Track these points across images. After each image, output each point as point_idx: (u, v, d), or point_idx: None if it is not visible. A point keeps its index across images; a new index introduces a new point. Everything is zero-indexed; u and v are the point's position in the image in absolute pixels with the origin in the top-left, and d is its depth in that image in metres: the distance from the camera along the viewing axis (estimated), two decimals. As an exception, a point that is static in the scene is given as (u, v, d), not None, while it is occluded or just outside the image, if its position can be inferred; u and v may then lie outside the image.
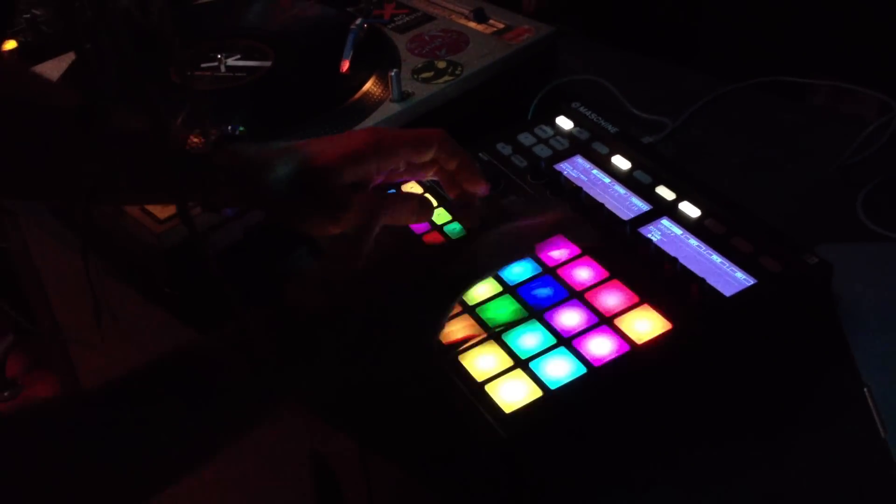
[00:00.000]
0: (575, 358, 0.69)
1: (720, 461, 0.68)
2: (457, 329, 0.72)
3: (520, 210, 0.74)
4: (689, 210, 0.80)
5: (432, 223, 0.83)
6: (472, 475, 0.68)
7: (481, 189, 0.79)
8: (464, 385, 0.68)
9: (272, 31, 1.08)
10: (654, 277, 0.75)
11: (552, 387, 0.67)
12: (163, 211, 0.82)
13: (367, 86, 0.97)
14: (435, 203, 0.85)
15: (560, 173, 0.87)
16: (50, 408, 0.60)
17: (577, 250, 0.78)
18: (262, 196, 0.76)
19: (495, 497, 0.68)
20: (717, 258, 0.76)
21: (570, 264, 0.77)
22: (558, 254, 0.78)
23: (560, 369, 0.68)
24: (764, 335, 0.74)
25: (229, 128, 0.76)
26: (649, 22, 1.42)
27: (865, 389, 0.71)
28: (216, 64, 1.03)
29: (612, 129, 0.91)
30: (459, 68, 0.99)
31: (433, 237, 0.82)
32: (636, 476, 0.68)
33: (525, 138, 0.92)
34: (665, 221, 0.80)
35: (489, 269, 0.70)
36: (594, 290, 0.74)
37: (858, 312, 0.77)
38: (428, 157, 0.77)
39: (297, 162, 0.75)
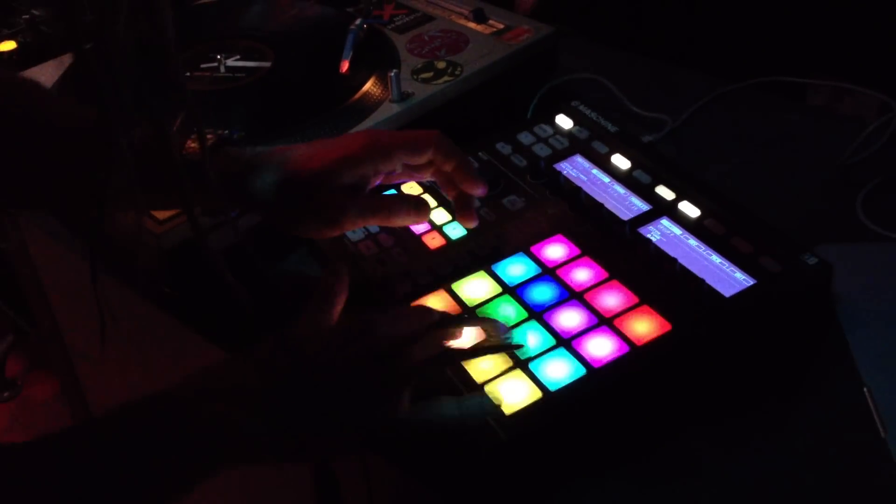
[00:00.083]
0: (575, 359, 0.69)
1: (720, 461, 0.68)
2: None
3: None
4: (689, 210, 0.80)
5: (432, 223, 0.83)
6: (472, 476, 0.68)
7: (478, 190, 0.79)
8: (463, 386, 0.68)
9: (272, 31, 1.08)
10: (653, 278, 0.74)
11: (552, 388, 0.67)
12: (163, 211, 0.82)
13: (367, 86, 0.97)
14: (435, 203, 0.85)
15: (559, 173, 0.87)
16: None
17: (577, 251, 0.78)
18: (256, 200, 0.76)
19: (495, 497, 0.68)
20: (716, 258, 0.76)
21: (569, 265, 0.77)
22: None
23: (560, 370, 0.68)
24: (764, 335, 0.74)
25: (226, 132, 0.76)
26: (649, 21, 1.42)
27: (865, 389, 0.71)
28: (216, 64, 1.03)
29: (611, 128, 0.91)
30: (459, 68, 0.99)
31: (433, 237, 0.82)
32: (636, 476, 0.68)
33: (525, 137, 0.92)
34: (665, 221, 0.80)
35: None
36: (594, 291, 0.74)
37: (858, 312, 0.77)
38: (424, 158, 0.77)
39: (287, 166, 0.75)
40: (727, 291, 0.73)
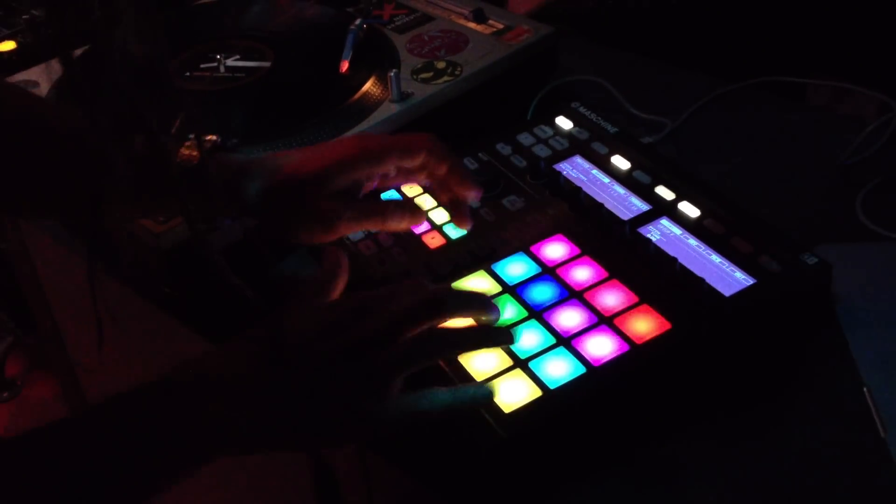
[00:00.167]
0: (574, 358, 0.69)
1: (719, 460, 0.68)
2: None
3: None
4: (689, 210, 0.80)
5: (432, 223, 0.83)
6: (472, 475, 0.68)
7: (472, 194, 0.78)
8: (463, 385, 0.68)
9: (271, 31, 1.08)
10: (653, 277, 0.74)
11: (552, 386, 0.67)
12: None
13: (367, 86, 0.97)
14: (434, 203, 0.85)
15: (559, 173, 0.87)
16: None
17: (577, 250, 0.78)
18: (248, 206, 0.76)
19: (495, 496, 0.68)
20: (716, 258, 0.76)
21: (569, 264, 0.77)
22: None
23: (560, 369, 0.68)
24: (763, 335, 0.74)
25: (219, 139, 0.76)
26: (649, 21, 1.42)
27: (865, 389, 0.71)
28: (215, 64, 1.03)
29: (611, 129, 0.91)
30: (459, 68, 0.99)
31: (433, 236, 0.82)
32: (636, 475, 0.68)
33: (524, 138, 0.92)
34: (664, 221, 0.80)
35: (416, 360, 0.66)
36: (594, 290, 0.74)
37: (858, 312, 0.77)
38: (417, 162, 0.76)
39: (281, 171, 0.74)
40: (727, 291, 0.73)
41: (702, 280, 0.73)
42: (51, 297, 1.29)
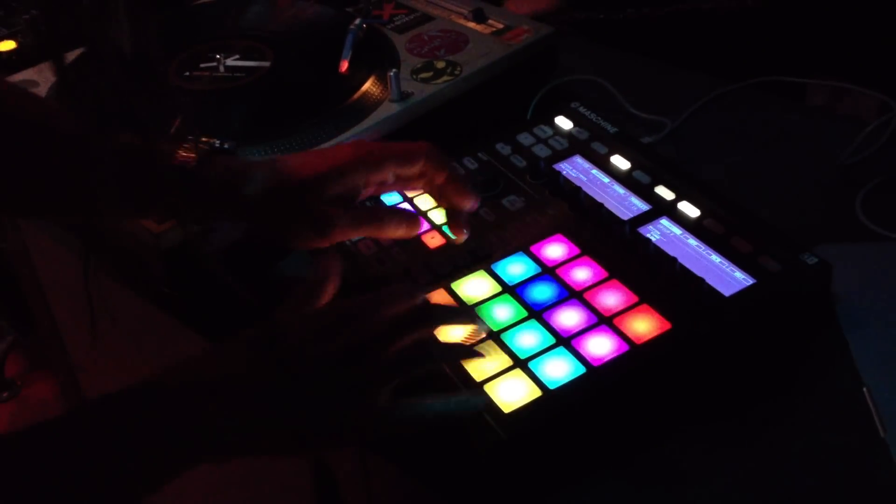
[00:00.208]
0: (574, 358, 0.69)
1: (719, 460, 0.68)
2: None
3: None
4: (689, 210, 0.80)
5: (432, 223, 0.83)
6: (472, 475, 0.68)
7: (469, 202, 0.78)
8: (463, 385, 0.68)
9: (271, 31, 1.08)
10: (653, 277, 0.74)
11: (551, 386, 0.67)
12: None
13: (367, 86, 0.97)
14: (434, 203, 0.85)
15: (559, 173, 0.87)
16: None
17: (577, 250, 0.78)
18: (244, 209, 0.76)
19: (495, 496, 0.68)
20: (716, 258, 0.76)
21: (569, 264, 0.77)
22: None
23: (559, 369, 0.68)
24: (763, 335, 0.74)
25: (217, 142, 0.75)
26: (649, 22, 1.42)
27: (865, 389, 0.71)
28: (215, 64, 1.03)
29: (611, 128, 0.91)
30: (458, 68, 0.99)
31: (433, 236, 0.82)
32: (635, 475, 0.68)
33: (524, 138, 0.92)
34: (664, 221, 0.80)
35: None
36: (593, 290, 0.74)
37: (858, 312, 0.77)
38: (415, 170, 0.76)
39: (277, 176, 0.74)
40: (727, 291, 0.73)
41: (702, 280, 0.73)
42: (51, 297, 1.29)
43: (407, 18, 1.09)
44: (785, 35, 1.31)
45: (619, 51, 1.17)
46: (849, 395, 0.71)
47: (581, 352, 0.69)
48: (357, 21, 1.03)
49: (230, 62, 1.03)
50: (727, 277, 0.74)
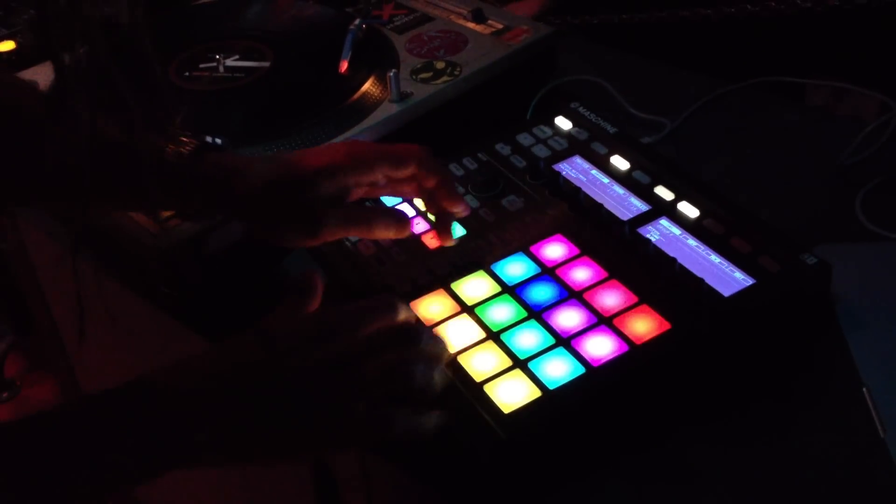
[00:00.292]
0: (574, 358, 0.69)
1: (719, 460, 0.68)
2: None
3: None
4: (688, 210, 0.80)
5: (432, 223, 0.83)
6: (472, 475, 0.68)
7: (460, 208, 0.78)
8: (462, 385, 0.68)
9: (271, 31, 1.08)
10: (652, 277, 0.74)
11: (551, 387, 0.67)
12: (162, 212, 0.82)
13: (366, 86, 0.97)
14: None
15: (559, 173, 0.87)
16: None
17: (577, 250, 0.78)
18: (235, 206, 0.75)
19: (495, 497, 0.68)
20: (715, 258, 0.76)
21: (568, 264, 0.77)
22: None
23: (559, 369, 0.68)
24: (763, 335, 0.74)
25: (208, 138, 0.75)
26: (648, 22, 1.42)
27: (865, 389, 0.71)
28: (214, 64, 1.03)
29: (610, 129, 0.91)
30: (458, 68, 0.99)
31: (432, 236, 0.81)
32: (635, 475, 0.68)
33: (524, 138, 0.92)
34: (664, 221, 0.80)
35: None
36: (593, 290, 0.74)
37: (858, 312, 0.77)
38: (406, 173, 0.76)
39: (268, 174, 0.74)
40: (726, 291, 0.73)
41: (701, 280, 0.73)
42: (50, 297, 1.29)
43: (406, 19, 1.09)
44: (785, 35, 1.31)
45: (618, 51, 1.17)
46: (849, 395, 0.71)
47: (581, 352, 0.69)
48: (357, 21, 1.03)
49: (230, 62, 1.03)
50: (727, 278, 0.74)
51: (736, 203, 0.81)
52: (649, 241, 0.78)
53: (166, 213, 0.82)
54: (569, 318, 0.72)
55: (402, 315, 0.67)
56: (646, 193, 0.83)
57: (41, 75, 1.02)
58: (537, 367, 0.69)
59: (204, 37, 1.08)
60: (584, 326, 0.71)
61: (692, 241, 0.78)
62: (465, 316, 0.74)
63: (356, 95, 0.96)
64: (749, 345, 0.73)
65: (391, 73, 0.94)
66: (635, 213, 0.81)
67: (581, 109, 0.94)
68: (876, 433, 0.68)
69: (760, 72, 1.06)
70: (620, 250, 0.78)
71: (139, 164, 0.64)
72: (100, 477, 0.58)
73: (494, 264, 0.78)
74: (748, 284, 0.73)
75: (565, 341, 0.70)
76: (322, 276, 0.70)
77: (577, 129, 0.92)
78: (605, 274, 0.75)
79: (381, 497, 0.80)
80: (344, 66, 1.00)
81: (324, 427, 0.62)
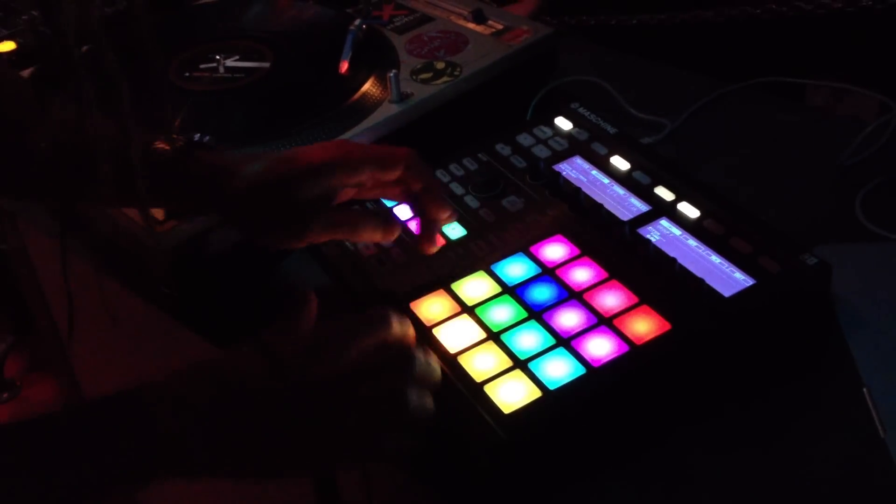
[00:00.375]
0: (574, 358, 0.69)
1: (719, 461, 0.68)
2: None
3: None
4: (688, 210, 0.80)
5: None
6: (472, 476, 0.68)
7: (445, 214, 0.77)
8: (463, 386, 0.68)
9: (271, 32, 1.08)
10: (653, 278, 0.74)
11: (551, 387, 0.67)
12: (161, 211, 0.82)
13: (366, 87, 0.97)
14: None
15: (559, 174, 0.87)
16: None
17: (577, 251, 0.78)
18: (220, 205, 0.75)
19: (495, 497, 0.68)
20: (716, 259, 0.76)
21: (569, 265, 0.77)
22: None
23: (559, 370, 0.68)
24: (763, 336, 0.74)
25: (196, 136, 0.75)
26: (648, 22, 1.42)
27: (865, 389, 0.71)
28: (215, 65, 1.03)
29: (611, 129, 0.91)
30: (458, 69, 0.99)
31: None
32: (636, 475, 0.68)
33: (524, 139, 0.92)
34: (664, 222, 0.80)
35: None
36: (593, 291, 0.74)
37: (858, 312, 0.77)
38: (393, 175, 0.75)
39: (255, 174, 0.73)
40: (727, 291, 0.73)
41: (701, 281, 0.73)
42: (50, 297, 1.29)
43: (407, 19, 1.09)
44: (785, 36, 1.31)
45: (619, 51, 1.17)
46: (849, 395, 0.71)
47: (581, 352, 0.69)
48: (357, 22, 1.03)
49: (230, 63, 1.03)
50: (727, 278, 0.74)
51: (736, 203, 0.81)
52: (649, 241, 0.78)
53: (154, 211, 0.82)
54: (569, 318, 0.72)
55: (397, 328, 0.67)
56: (646, 194, 0.83)
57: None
58: (537, 367, 0.69)
59: (204, 37, 1.08)
60: (585, 327, 0.71)
61: (692, 242, 0.78)
62: (465, 316, 0.74)
63: (356, 96, 0.96)
64: (749, 345, 0.73)
65: (391, 74, 0.94)
66: (635, 214, 0.81)
67: (581, 110, 0.94)
68: (876, 433, 0.68)
69: (761, 72, 1.06)
70: (621, 251, 0.78)
71: (126, 159, 0.63)
72: (94, 484, 0.58)
73: (495, 265, 0.78)
74: (748, 285, 0.73)
75: (565, 342, 0.70)
76: (314, 293, 0.70)
77: (577, 129, 0.92)
78: (605, 274, 0.75)
79: (382, 497, 0.80)
80: (344, 66, 1.00)
81: (317, 443, 0.62)
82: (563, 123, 0.93)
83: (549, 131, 0.93)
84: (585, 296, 0.74)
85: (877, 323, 0.76)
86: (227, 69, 1.02)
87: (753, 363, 0.73)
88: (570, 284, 0.75)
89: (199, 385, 0.62)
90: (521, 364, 0.69)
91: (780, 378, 0.73)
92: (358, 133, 0.91)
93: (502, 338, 0.71)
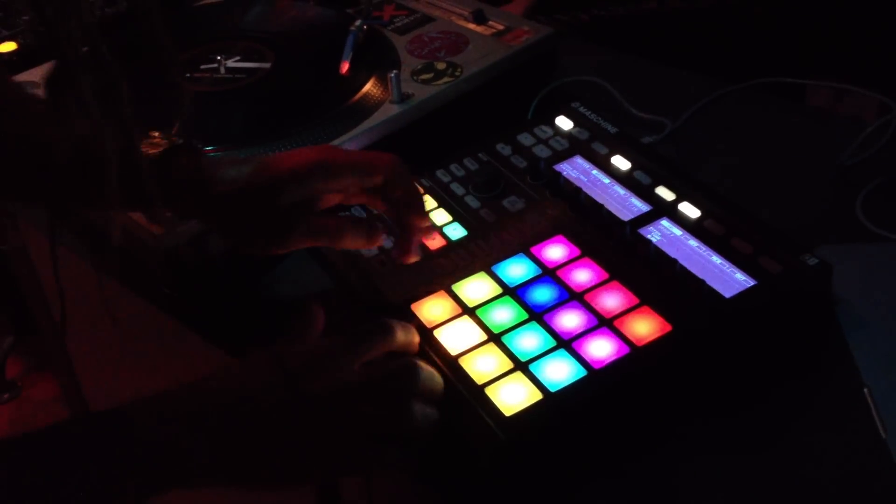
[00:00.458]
0: (575, 360, 0.69)
1: (720, 461, 0.68)
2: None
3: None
4: (689, 211, 0.80)
5: (433, 223, 0.83)
6: (472, 477, 0.68)
7: (423, 225, 0.76)
8: (463, 387, 0.68)
9: (272, 32, 1.08)
10: (654, 279, 0.74)
11: (552, 389, 0.67)
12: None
13: (367, 87, 0.97)
14: (435, 204, 0.85)
15: (560, 174, 0.87)
16: None
17: (577, 251, 0.78)
18: (203, 210, 0.74)
19: (495, 498, 0.68)
20: (716, 259, 0.76)
21: (569, 266, 0.77)
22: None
23: (560, 371, 0.68)
24: (764, 336, 0.74)
25: (180, 140, 0.75)
26: (649, 22, 1.42)
27: (865, 390, 0.71)
28: (215, 65, 1.03)
29: (611, 129, 0.91)
30: (459, 69, 0.99)
31: (433, 237, 0.81)
32: (636, 477, 0.68)
33: (525, 139, 0.92)
34: (665, 222, 0.80)
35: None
36: (594, 292, 0.74)
37: (858, 313, 0.77)
38: (376, 181, 0.74)
39: (238, 178, 0.72)
40: (727, 292, 0.73)
41: (702, 281, 0.73)
42: (51, 297, 1.29)
43: (407, 20, 1.09)
44: (785, 36, 1.31)
45: (619, 51, 1.17)
46: (849, 395, 0.71)
47: (582, 354, 0.69)
48: (357, 22, 1.03)
49: (231, 63, 1.03)
50: (728, 279, 0.74)
51: (737, 204, 0.81)
52: (650, 241, 0.78)
53: (134, 214, 0.81)
54: (570, 319, 0.72)
55: (402, 338, 0.68)
56: (647, 194, 0.83)
57: (42, 76, 1.02)
58: (538, 369, 0.69)
59: (205, 38, 1.08)
60: (585, 328, 0.71)
61: (693, 242, 0.78)
62: (466, 318, 0.74)
63: (357, 96, 0.96)
64: (750, 345, 0.73)
65: (392, 74, 0.94)
66: (636, 214, 0.81)
67: (582, 109, 0.94)
68: (876, 433, 0.68)
69: (761, 72, 1.06)
70: (621, 251, 0.78)
71: (128, 162, 0.63)
72: (98, 495, 0.58)
73: (495, 265, 0.78)
74: (749, 285, 0.73)
75: (566, 343, 0.70)
76: (321, 306, 0.70)
77: (577, 129, 0.92)
78: (605, 275, 0.75)
79: (382, 497, 0.80)
80: (345, 67, 1.00)
81: (321, 454, 0.63)
82: (564, 123, 0.93)
83: (549, 131, 0.93)
84: (586, 297, 0.74)
85: (877, 323, 0.76)
86: (228, 70, 1.02)
87: (754, 364, 0.73)
88: (571, 285, 0.75)
89: (205, 396, 0.62)
90: (521, 366, 0.69)
91: (781, 378, 0.73)
92: (358, 134, 0.91)
93: (503, 339, 0.71)
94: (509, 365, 0.69)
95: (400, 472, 0.66)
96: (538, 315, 0.73)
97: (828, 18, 1.28)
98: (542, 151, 0.90)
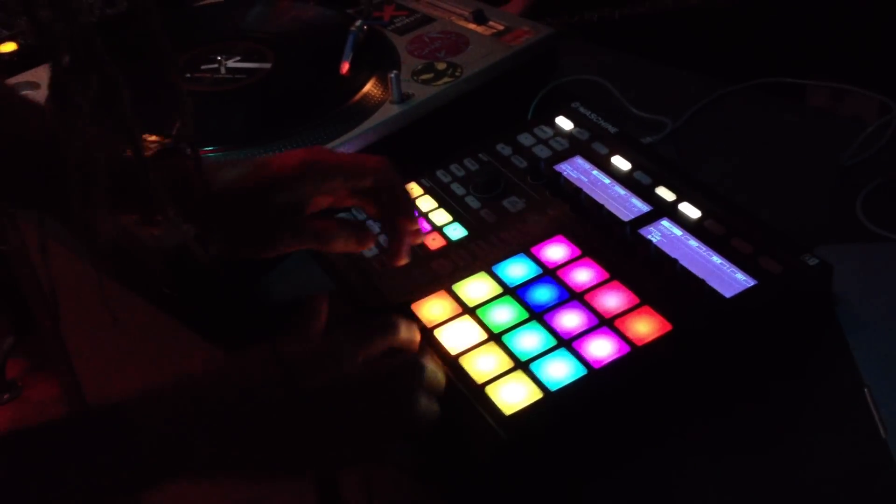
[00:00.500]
0: (575, 359, 0.69)
1: (720, 461, 0.68)
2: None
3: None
4: (689, 211, 0.80)
5: (432, 223, 0.83)
6: (472, 477, 0.68)
7: (412, 228, 0.74)
8: (464, 387, 0.68)
9: (272, 32, 1.08)
10: (654, 278, 0.75)
11: (552, 388, 0.67)
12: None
13: (367, 87, 0.97)
14: (435, 204, 0.85)
15: (560, 174, 0.87)
16: None
17: (578, 251, 0.78)
18: (191, 213, 0.74)
19: (495, 497, 0.68)
20: (717, 259, 0.76)
21: (570, 265, 0.77)
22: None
23: (560, 371, 0.68)
24: (764, 336, 0.74)
25: (170, 143, 0.74)
26: (649, 22, 1.42)
27: (865, 389, 0.71)
28: (216, 66, 1.03)
29: (612, 129, 0.91)
30: (459, 70, 0.99)
31: (433, 237, 0.82)
32: (636, 476, 0.68)
33: (525, 139, 0.92)
34: (665, 222, 0.80)
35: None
36: (594, 292, 0.74)
37: (858, 312, 0.77)
38: (365, 183, 0.73)
39: (227, 180, 0.72)
40: (728, 292, 0.73)
41: (702, 281, 0.73)
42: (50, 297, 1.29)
43: (407, 20, 1.10)
44: (785, 36, 1.31)
45: (619, 51, 1.17)
46: (849, 395, 0.71)
47: (582, 353, 0.69)
48: (358, 23, 1.03)
49: (231, 64, 1.03)
50: (728, 279, 0.74)
51: (737, 204, 0.81)
52: (650, 241, 0.78)
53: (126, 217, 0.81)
54: (570, 319, 0.72)
55: (405, 334, 0.68)
56: (647, 194, 0.83)
57: (42, 76, 1.02)
58: (538, 368, 0.69)
59: (205, 38, 1.08)
60: (586, 328, 0.71)
61: (693, 242, 0.78)
62: (466, 317, 0.74)
63: (357, 97, 0.96)
64: (750, 345, 0.73)
65: (392, 75, 0.94)
66: (636, 214, 0.81)
67: (582, 109, 0.94)
68: (876, 433, 0.68)
69: (761, 73, 1.06)
70: (621, 251, 0.78)
71: (124, 167, 0.63)
72: (98, 488, 0.58)
73: (496, 265, 0.78)
74: (749, 285, 0.73)
75: (567, 343, 0.70)
76: (325, 301, 0.70)
77: (578, 129, 0.92)
78: (606, 275, 0.75)
79: (382, 497, 0.80)
80: (345, 67, 1.00)
81: (321, 447, 0.63)
82: (564, 123, 0.93)
83: (549, 131, 0.93)
84: (586, 296, 0.74)
85: (877, 323, 0.76)
86: (229, 70, 1.02)
87: (754, 363, 0.73)
88: (571, 285, 0.75)
89: (207, 389, 0.62)
90: (522, 365, 0.69)
91: (781, 378, 0.73)
92: (358, 134, 0.91)
93: (503, 339, 0.71)
94: (509, 364, 0.69)
95: (399, 469, 0.66)
96: (538, 315, 0.73)
97: (828, 18, 1.28)
98: (542, 151, 0.90)
